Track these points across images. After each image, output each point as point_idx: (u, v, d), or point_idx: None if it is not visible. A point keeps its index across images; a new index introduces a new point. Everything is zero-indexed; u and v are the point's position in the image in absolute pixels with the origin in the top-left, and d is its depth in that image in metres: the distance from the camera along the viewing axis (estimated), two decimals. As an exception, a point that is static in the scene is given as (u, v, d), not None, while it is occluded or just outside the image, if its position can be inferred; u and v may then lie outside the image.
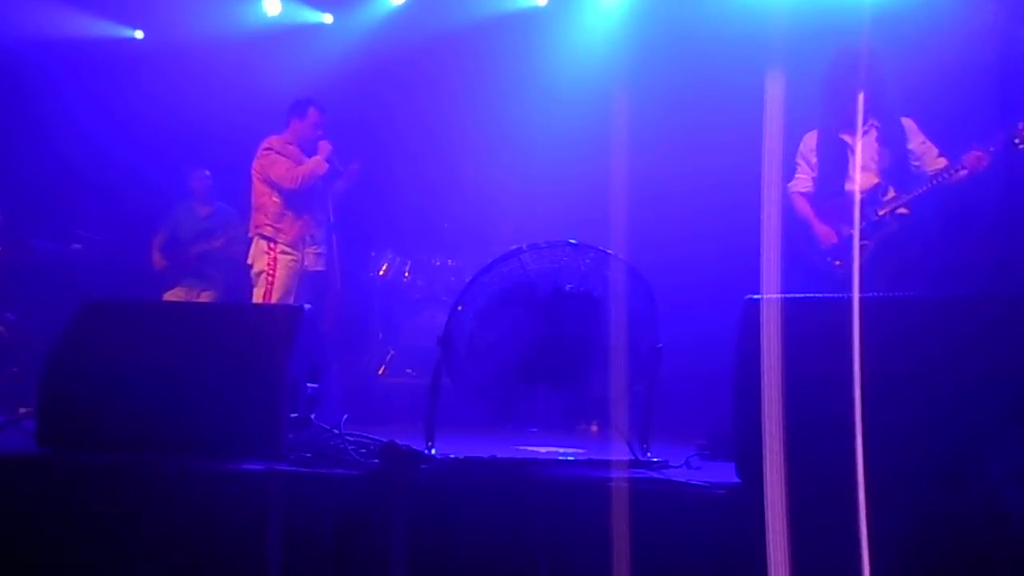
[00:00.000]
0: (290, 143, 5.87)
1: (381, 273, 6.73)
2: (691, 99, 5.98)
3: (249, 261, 5.83)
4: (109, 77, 6.98)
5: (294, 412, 3.45)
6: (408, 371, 6.39)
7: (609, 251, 3.49)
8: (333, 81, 6.69)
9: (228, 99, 6.70)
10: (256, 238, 5.79)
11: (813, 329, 2.93)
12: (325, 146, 5.84)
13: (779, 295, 2.99)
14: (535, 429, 3.58)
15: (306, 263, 5.88)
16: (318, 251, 5.95)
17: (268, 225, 5.75)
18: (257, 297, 5.74)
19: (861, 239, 4.71)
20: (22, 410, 4.10)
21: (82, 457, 3.15)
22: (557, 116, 6.39)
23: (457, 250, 6.76)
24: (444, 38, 6.90)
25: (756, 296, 3.07)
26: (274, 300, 5.69)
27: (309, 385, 3.61)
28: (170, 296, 6.55)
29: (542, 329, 3.44)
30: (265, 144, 5.84)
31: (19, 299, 6.09)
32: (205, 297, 6.61)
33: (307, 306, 3.62)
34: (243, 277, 6.26)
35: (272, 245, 5.75)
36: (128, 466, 3.08)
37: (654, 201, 5.49)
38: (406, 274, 6.77)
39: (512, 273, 3.45)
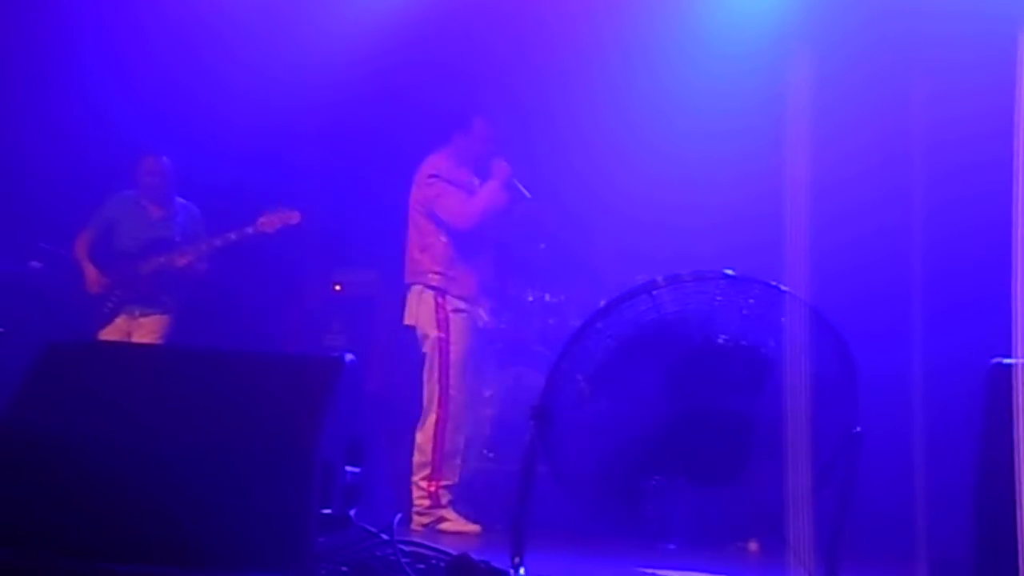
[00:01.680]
0: (458, 165, 6.03)
1: (450, 312, 6.77)
2: (901, 79, 5.90)
3: (411, 320, 5.92)
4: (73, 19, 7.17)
5: (327, 507, 3.47)
6: (486, 452, 6.41)
7: (784, 287, 3.44)
8: (384, 34, 6.80)
9: (231, 55, 6.85)
10: (418, 287, 5.91)
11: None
12: (503, 168, 5.93)
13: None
14: (672, 545, 3.53)
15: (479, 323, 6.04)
16: (490, 305, 6.12)
17: (436, 273, 5.90)
18: (430, 371, 5.80)
19: None
20: None
21: (35, 562, 3.21)
22: (712, 94, 6.39)
23: (559, 281, 6.78)
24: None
25: (1010, 360, 2.99)
26: (452, 374, 5.79)
27: (348, 469, 3.64)
28: (110, 332, 6.46)
29: (684, 400, 3.42)
30: (429, 169, 5.98)
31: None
32: (150, 325, 6.50)
33: (349, 356, 3.65)
34: (201, 301, 6.34)
35: (442, 299, 5.86)
36: (96, 577, 3.13)
37: (847, 219, 5.42)
38: (484, 316, 6.79)
39: (642, 317, 3.44)
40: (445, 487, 5.67)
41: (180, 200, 6.68)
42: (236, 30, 6.96)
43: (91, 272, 6.52)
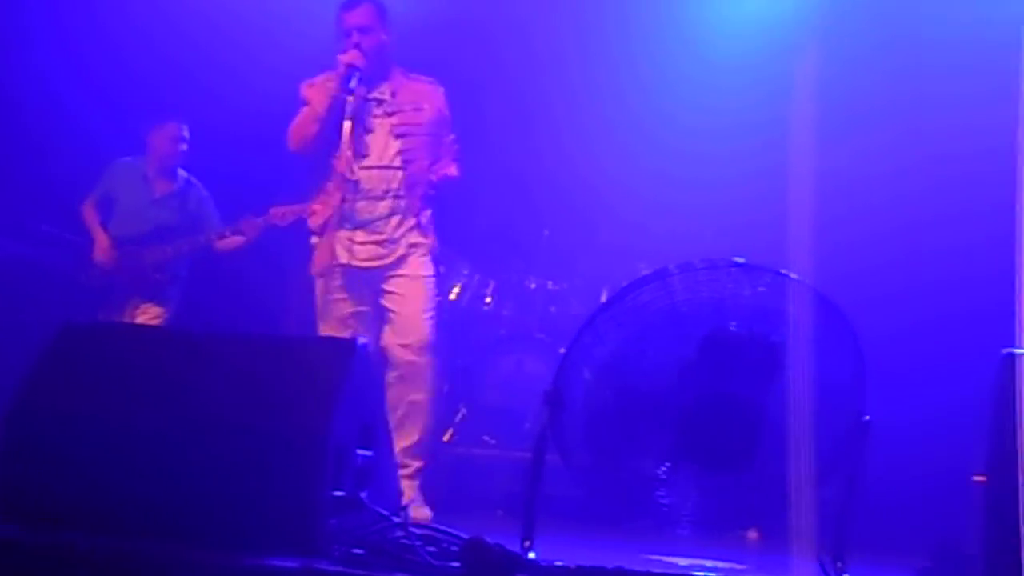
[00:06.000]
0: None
1: (452, 297, 6.79)
2: (908, 76, 5.94)
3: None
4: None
5: (339, 489, 3.48)
6: (486, 439, 6.43)
7: (794, 275, 3.46)
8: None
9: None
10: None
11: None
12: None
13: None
14: (684, 532, 3.55)
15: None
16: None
17: None
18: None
19: None
20: None
21: (52, 540, 3.22)
22: (717, 88, 6.43)
23: (562, 268, 6.79)
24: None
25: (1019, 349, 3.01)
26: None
27: (359, 452, 3.64)
28: None
29: (695, 387, 3.43)
30: None
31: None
32: (151, 312, 6.35)
33: (361, 339, 3.66)
34: (197, 285, 6.31)
35: None
36: (111, 556, 3.14)
37: (855, 208, 5.43)
38: (487, 300, 6.81)
39: (653, 305, 3.46)
40: None
41: (183, 174, 6.52)
42: (236, 20, 6.94)
43: (102, 239, 6.38)
